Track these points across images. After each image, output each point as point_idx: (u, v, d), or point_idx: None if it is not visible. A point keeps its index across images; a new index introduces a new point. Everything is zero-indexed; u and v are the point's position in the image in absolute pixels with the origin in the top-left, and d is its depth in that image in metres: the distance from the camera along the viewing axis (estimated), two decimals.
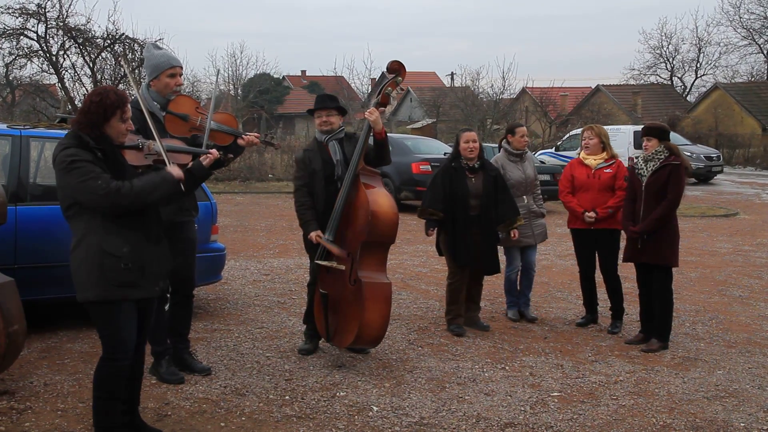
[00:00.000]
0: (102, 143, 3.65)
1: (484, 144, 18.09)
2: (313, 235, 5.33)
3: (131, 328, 3.76)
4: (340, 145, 5.47)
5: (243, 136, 4.71)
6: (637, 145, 20.76)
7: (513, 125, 7.04)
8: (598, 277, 6.64)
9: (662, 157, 5.94)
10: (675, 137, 24.66)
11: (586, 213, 6.41)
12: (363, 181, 5.25)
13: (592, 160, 6.55)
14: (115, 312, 3.68)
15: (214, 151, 4.05)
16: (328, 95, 5.77)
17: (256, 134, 4.84)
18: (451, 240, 6.26)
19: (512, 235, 6.48)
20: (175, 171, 3.78)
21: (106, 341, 3.76)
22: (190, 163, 3.99)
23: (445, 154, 15.94)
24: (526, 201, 6.70)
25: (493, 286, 7.61)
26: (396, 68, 5.32)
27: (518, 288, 6.89)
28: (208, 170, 4.04)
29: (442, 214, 6.22)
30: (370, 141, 5.32)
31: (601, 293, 6.76)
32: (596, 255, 6.60)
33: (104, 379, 3.75)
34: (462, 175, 6.28)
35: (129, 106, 3.73)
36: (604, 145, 6.56)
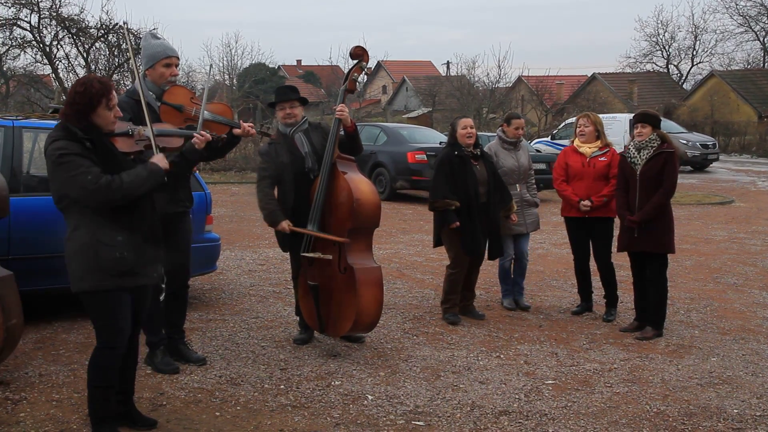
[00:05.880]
0: (90, 133, 3.63)
1: (480, 133, 18.16)
2: (284, 224, 5.31)
3: (126, 316, 3.76)
4: (306, 137, 5.45)
5: (239, 125, 4.70)
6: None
7: (510, 116, 7.04)
8: (593, 265, 6.65)
9: (655, 145, 5.94)
10: (671, 125, 24.72)
11: (582, 201, 6.42)
12: (340, 169, 5.25)
13: (587, 149, 6.54)
14: (110, 301, 3.68)
15: (205, 132, 4.05)
16: (289, 86, 5.75)
17: (251, 124, 4.83)
18: (467, 231, 6.17)
19: (512, 219, 6.51)
20: (160, 162, 3.77)
21: (102, 331, 3.76)
22: (183, 146, 3.99)
23: (441, 143, 15.94)
24: (518, 189, 6.69)
25: (487, 275, 7.62)
26: (359, 53, 5.36)
27: (511, 276, 6.90)
28: (201, 152, 4.04)
29: (459, 204, 6.13)
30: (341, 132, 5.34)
31: (596, 281, 6.77)
32: (590, 243, 6.61)
33: (100, 369, 3.75)
34: (468, 163, 6.25)
35: (114, 93, 3.71)
36: (599, 133, 6.56)
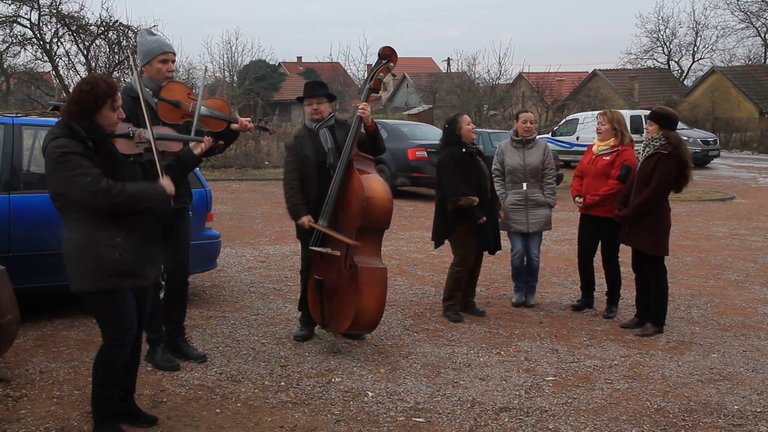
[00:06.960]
0: (93, 133, 3.61)
1: (481, 129, 18.15)
2: (304, 219, 5.33)
3: (131, 313, 3.75)
4: (330, 133, 5.45)
5: (237, 119, 4.69)
6: (634, 130, 20.79)
7: (518, 111, 7.08)
8: (596, 262, 6.64)
9: (657, 144, 5.90)
10: None
11: (576, 198, 6.44)
12: (357, 167, 5.24)
13: (596, 146, 6.55)
14: (114, 300, 3.67)
15: (207, 138, 4.05)
16: (318, 82, 5.74)
17: (249, 119, 4.82)
18: (481, 227, 6.15)
19: (500, 215, 6.54)
20: (168, 186, 3.76)
21: (107, 329, 3.74)
22: (181, 151, 3.98)
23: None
24: (524, 188, 6.63)
25: (488, 272, 7.62)
26: (388, 54, 5.34)
27: (523, 273, 6.90)
28: (198, 158, 4.04)
29: (479, 199, 6.11)
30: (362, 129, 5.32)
31: (598, 277, 6.76)
32: (599, 240, 6.58)
33: (106, 367, 3.75)
34: (475, 159, 6.26)
35: (119, 94, 3.70)
36: (617, 131, 6.49)
